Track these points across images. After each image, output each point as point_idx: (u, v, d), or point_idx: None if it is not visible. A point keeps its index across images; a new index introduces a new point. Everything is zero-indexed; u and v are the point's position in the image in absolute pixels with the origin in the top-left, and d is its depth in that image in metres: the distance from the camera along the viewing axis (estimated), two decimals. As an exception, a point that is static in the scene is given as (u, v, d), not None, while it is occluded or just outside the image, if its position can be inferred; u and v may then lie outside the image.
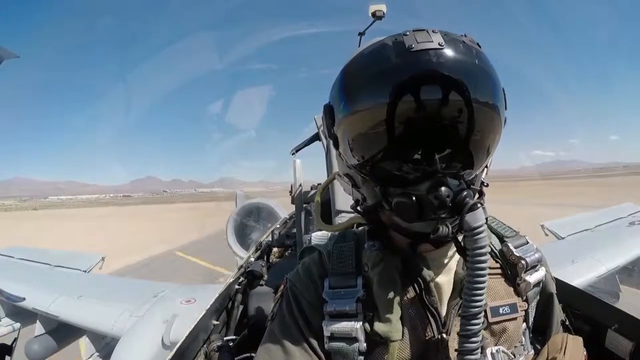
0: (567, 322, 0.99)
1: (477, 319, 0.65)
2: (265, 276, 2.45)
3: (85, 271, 5.26)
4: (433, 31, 0.63)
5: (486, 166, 0.74)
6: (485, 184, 0.77)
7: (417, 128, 0.62)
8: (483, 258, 0.62)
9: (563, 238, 5.00)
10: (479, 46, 0.67)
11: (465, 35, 0.67)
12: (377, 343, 0.74)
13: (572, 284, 1.59)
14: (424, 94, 0.60)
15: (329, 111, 0.74)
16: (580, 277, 3.43)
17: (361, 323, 0.73)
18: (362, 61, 0.69)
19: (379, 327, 0.73)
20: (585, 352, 0.78)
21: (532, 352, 0.85)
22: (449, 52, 0.62)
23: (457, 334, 0.68)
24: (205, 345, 1.72)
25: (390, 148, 0.64)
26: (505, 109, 0.69)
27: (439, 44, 0.61)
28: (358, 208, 0.82)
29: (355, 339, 0.73)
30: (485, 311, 0.74)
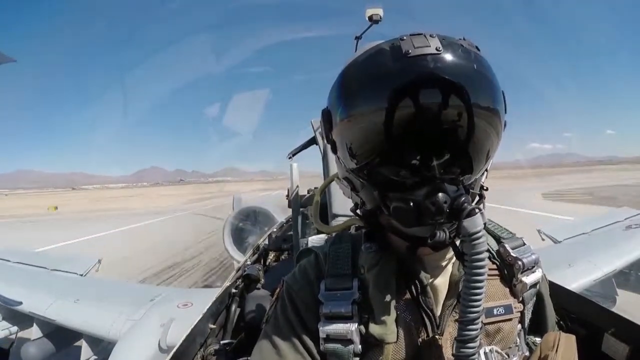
0: (561, 323, 0.99)
1: (474, 324, 0.64)
2: (262, 280, 2.45)
3: (81, 275, 5.24)
4: (430, 35, 0.63)
5: (486, 169, 0.73)
6: (485, 188, 0.77)
7: (415, 134, 0.62)
8: (481, 263, 0.62)
9: (559, 242, 5.00)
10: (478, 49, 0.66)
11: (463, 39, 0.66)
12: (372, 345, 0.74)
13: (568, 287, 1.60)
14: (421, 99, 0.60)
15: (327, 116, 0.74)
16: (576, 281, 3.43)
17: (356, 325, 0.74)
18: (359, 66, 0.69)
19: (374, 329, 0.73)
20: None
21: (526, 353, 0.85)
22: (446, 56, 0.61)
23: (455, 339, 0.68)
24: (202, 349, 1.71)
25: (387, 153, 0.64)
26: (505, 112, 0.69)
27: (436, 48, 0.61)
28: (357, 211, 0.82)
29: (350, 341, 0.73)
30: None
